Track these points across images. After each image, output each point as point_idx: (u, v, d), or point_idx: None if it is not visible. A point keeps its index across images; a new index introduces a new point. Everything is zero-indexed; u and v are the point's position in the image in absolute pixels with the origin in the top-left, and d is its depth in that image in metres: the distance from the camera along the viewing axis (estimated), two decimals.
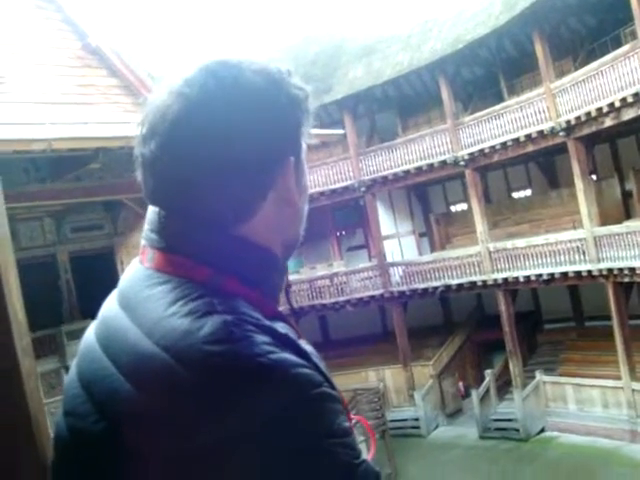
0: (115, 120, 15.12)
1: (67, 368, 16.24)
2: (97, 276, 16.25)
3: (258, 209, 1.04)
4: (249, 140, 1.01)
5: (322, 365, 0.98)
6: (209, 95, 1.01)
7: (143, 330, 0.97)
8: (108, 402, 0.98)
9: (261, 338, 0.92)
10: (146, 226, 1.09)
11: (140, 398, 0.93)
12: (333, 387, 0.96)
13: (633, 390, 20.44)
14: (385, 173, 26.90)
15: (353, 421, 1.03)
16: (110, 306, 1.10)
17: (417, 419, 25.60)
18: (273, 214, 1.06)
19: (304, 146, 1.13)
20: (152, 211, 1.08)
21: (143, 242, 1.10)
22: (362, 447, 0.98)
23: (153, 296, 1.00)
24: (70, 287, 18.18)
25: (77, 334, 15.61)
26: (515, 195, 28.73)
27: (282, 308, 1.09)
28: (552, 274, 22.49)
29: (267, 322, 0.97)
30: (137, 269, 1.09)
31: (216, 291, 0.98)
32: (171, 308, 0.96)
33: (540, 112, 22.12)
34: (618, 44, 20.57)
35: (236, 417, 0.87)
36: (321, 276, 28.24)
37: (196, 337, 0.91)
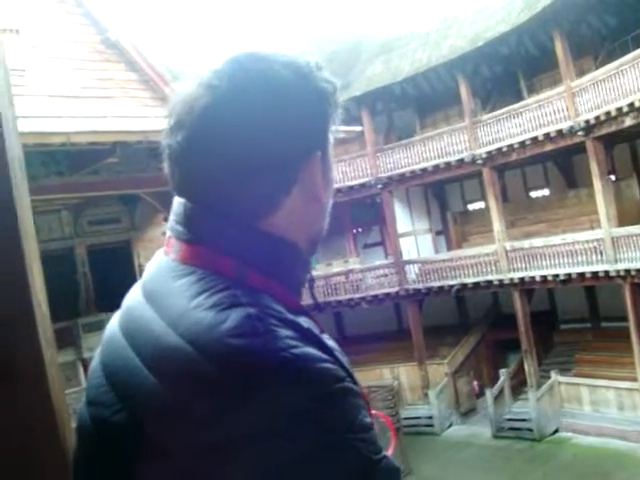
0: (133, 114, 15.19)
1: (83, 360, 16.36)
2: (114, 269, 16.37)
3: (282, 203, 1.04)
4: (276, 134, 1.01)
5: (344, 360, 0.98)
6: (237, 88, 1.01)
7: (167, 322, 0.97)
8: (131, 392, 0.98)
9: (284, 332, 0.92)
10: (171, 217, 1.09)
11: (163, 390, 0.93)
12: (355, 382, 0.96)
13: None
14: (402, 170, 26.85)
15: (374, 417, 1.03)
16: (134, 296, 1.10)
17: (431, 417, 25.59)
18: (298, 208, 1.06)
19: (331, 140, 1.12)
20: (178, 202, 1.08)
21: (168, 233, 1.10)
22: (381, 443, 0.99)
23: (177, 288, 1.00)
24: (87, 280, 18.28)
25: (93, 327, 15.71)
26: (533, 194, 28.59)
27: (304, 303, 1.10)
28: (569, 274, 22.38)
29: (290, 316, 0.97)
30: (162, 260, 1.10)
31: (240, 284, 0.98)
32: (195, 300, 0.96)
33: (559, 111, 22.01)
34: (639, 44, 20.43)
35: (259, 411, 0.87)
36: (337, 273, 28.24)
37: (220, 330, 0.91)
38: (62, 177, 14.42)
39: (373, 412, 1.02)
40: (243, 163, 1.00)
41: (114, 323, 1.12)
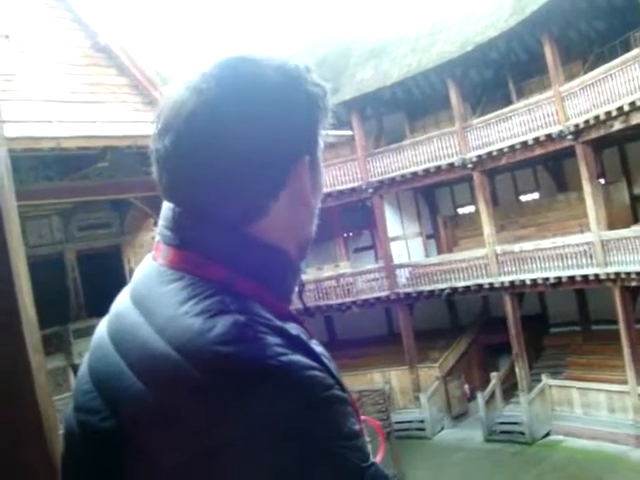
0: (124, 119, 15.16)
1: (74, 366, 16.29)
2: (104, 275, 16.33)
3: (271, 208, 1.03)
4: (264, 138, 1.00)
5: (333, 366, 0.98)
6: (225, 91, 1.00)
7: (155, 328, 0.97)
8: (118, 399, 0.98)
9: (272, 339, 0.92)
10: (160, 222, 1.09)
11: (151, 397, 0.93)
12: (343, 389, 0.96)
13: (639, 395, 20.37)
14: (393, 175, 26.88)
15: (362, 422, 1.02)
16: (123, 301, 1.09)
17: (422, 421, 25.58)
18: (287, 213, 1.05)
19: (321, 144, 1.12)
20: (167, 207, 1.08)
21: (157, 238, 1.10)
22: (370, 448, 0.98)
23: (166, 294, 1.00)
24: (77, 285, 18.20)
25: (84, 332, 15.66)
26: (523, 198, 28.64)
27: (294, 307, 1.09)
28: (559, 278, 22.43)
29: (279, 323, 0.96)
30: (150, 265, 1.09)
31: (228, 290, 0.98)
32: (183, 307, 0.96)
33: (548, 115, 22.08)
34: (627, 48, 20.52)
35: (247, 419, 0.87)
36: (328, 277, 28.25)
37: (208, 337, 0.91)
38: (52, 182, 14.38)
39: (362, 418, 1.02)
40: (230, 167, 0.99)
41: (102, 328, 1.11)
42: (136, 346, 0.98)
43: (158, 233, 1.10)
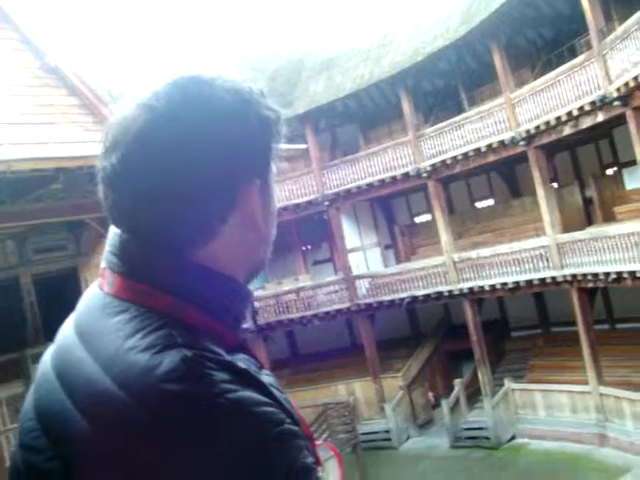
0: (75, 139, 14.99)
1: None
2: (61, 297, 16.05)
3: (218, 232, 1.00)
4: (212, 159, 0.98)
5: (283, 397, 0.96)
6: (176, 110, 0.98)
7: (100, 364, 0.94)
8: (63, 438, 0.94)
9: (220, 376, 0.89)
10: (107, 248, 1.05)
11: (96, 436, 0.90)
12: (295, 421, 0.93)
13: (601, 394, 20.63)
14: (348, 186, 26.98)
15: (320, 442, 1.00)
16: (67, 333, 1.05)
17: (388, 431, 25.60)
18: (236, 238, 1.02)
19: (273, 169, 1.10)
20: (113, 233, 1.05)
21: (103, 264, 1.06)
22: (329, 465, 0.96)
23: (111, 326, 0.97)
24: (34, 309, 17.90)
25: (42, 357, 15.40)
26: (478, 205, 28.93)
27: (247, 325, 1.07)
28: (517, 282, 22.67)
29: (227, 357, 0.93)
30: (95, 294, 1.05)
31: (176, 321, 0.95)
32: (130, 341, 0.93)
33: (500, 122, 22.36)
34: (574, 54, 20.87)
35: (194, 459, 0.85)
36: (287, 291, 28.19)
37: (154, 375, 0.88)
38: (4, 206, 14.16)
39: (319, 443, 1.00)
40: (177, 186, 0.97)
41: (47, 360, 1.07)
42: (81, 383, 0.95)
43: (104, 259, 1.06)
